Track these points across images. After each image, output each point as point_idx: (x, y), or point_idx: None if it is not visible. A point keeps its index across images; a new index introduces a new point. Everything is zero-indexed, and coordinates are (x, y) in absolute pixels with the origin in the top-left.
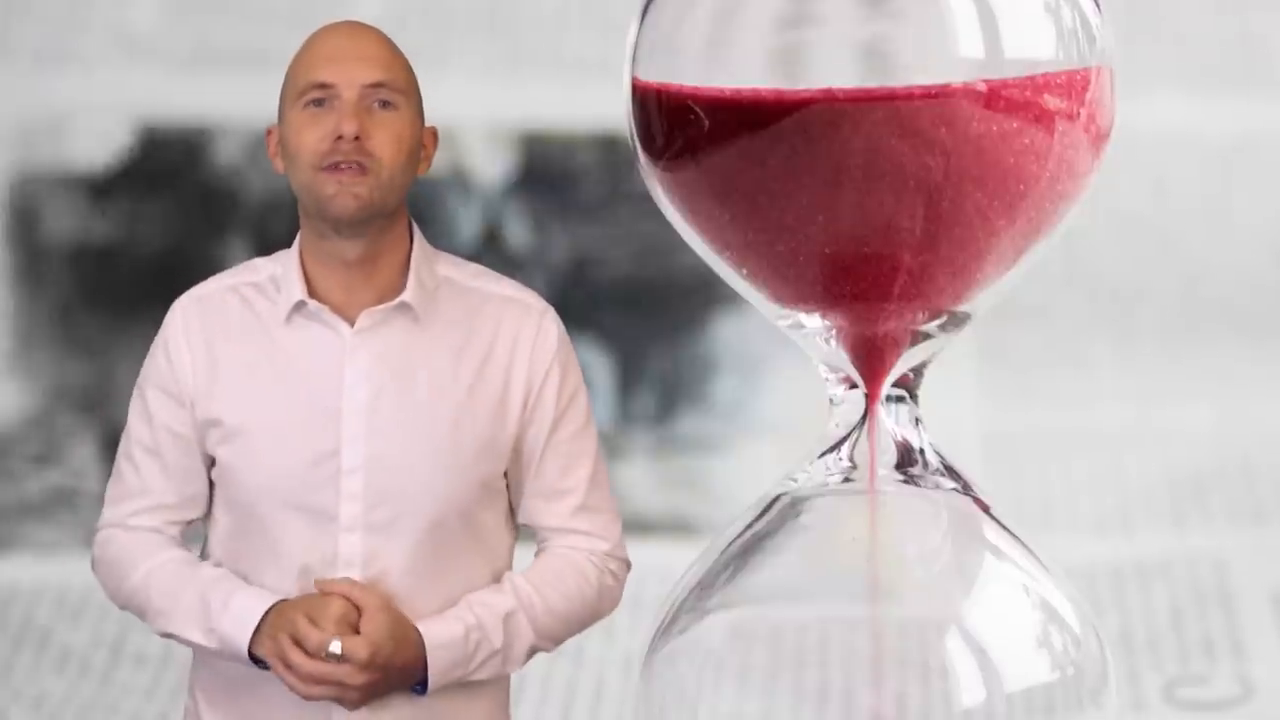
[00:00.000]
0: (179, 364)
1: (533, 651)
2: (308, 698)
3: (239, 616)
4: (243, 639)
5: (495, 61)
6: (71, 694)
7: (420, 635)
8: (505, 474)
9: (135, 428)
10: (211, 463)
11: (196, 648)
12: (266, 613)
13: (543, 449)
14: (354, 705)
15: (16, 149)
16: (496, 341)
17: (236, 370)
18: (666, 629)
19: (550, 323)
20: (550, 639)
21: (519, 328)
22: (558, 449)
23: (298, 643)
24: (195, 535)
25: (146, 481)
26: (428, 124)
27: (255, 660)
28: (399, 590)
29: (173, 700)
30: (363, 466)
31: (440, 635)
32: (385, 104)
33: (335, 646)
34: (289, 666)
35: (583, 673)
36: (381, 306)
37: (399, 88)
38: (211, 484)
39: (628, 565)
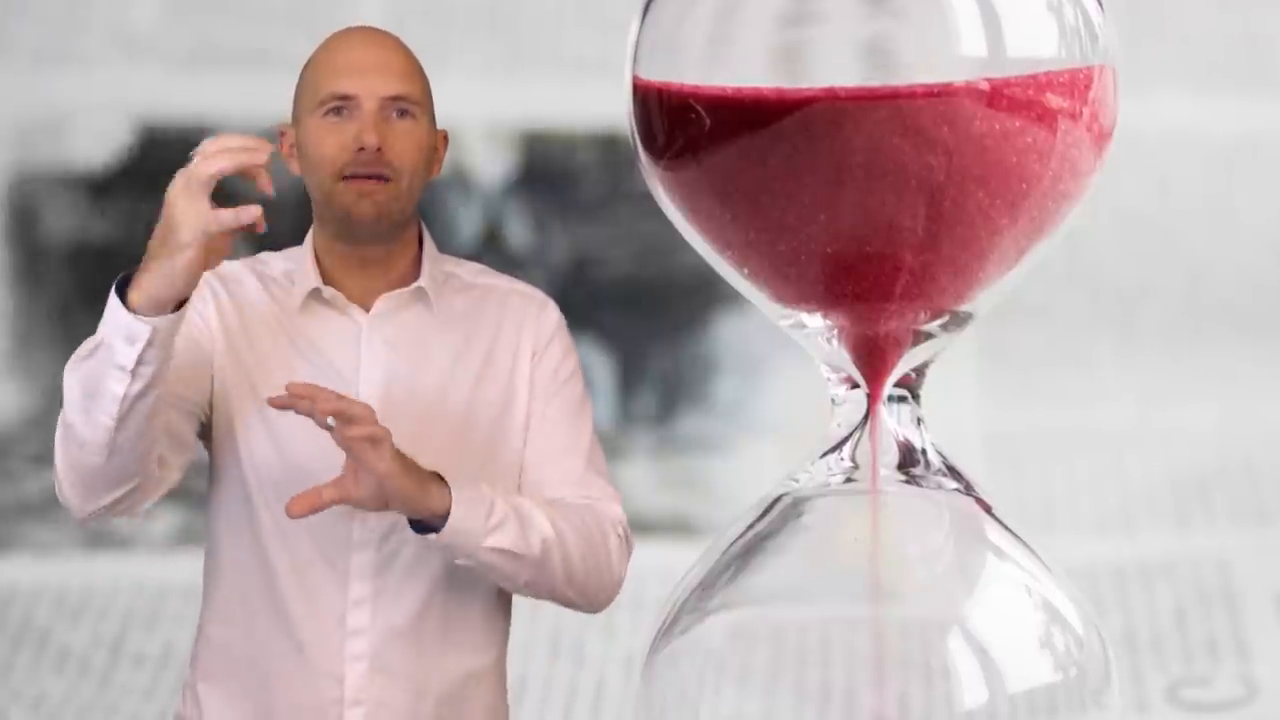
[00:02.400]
0: (206, 319)
1: (546, 551)
2: (325, 414)
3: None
4: (113, 297)
5: (495, 61)
6: (70, 694)
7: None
8: None
9: None
10: (223, 434)
11: (94, 368)
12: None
13: (542, 418)
14: (380, 474)
15: (16, 148)
16: (502, 328)
17: (253, 351)
18: (667, 629)
19: (551, 309)
20: (565, 550)
21: (522, 314)
22: (557, 420)
23: None
24: (199, 533)
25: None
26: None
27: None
28: (412, 570)
29: (172, 700)
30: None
31: (456, 480)
32: (403, 113)
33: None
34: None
35: (584, 673)
36: (397, 291)
37: (417, 98)
38: (212, 472)
39: (630, 545)
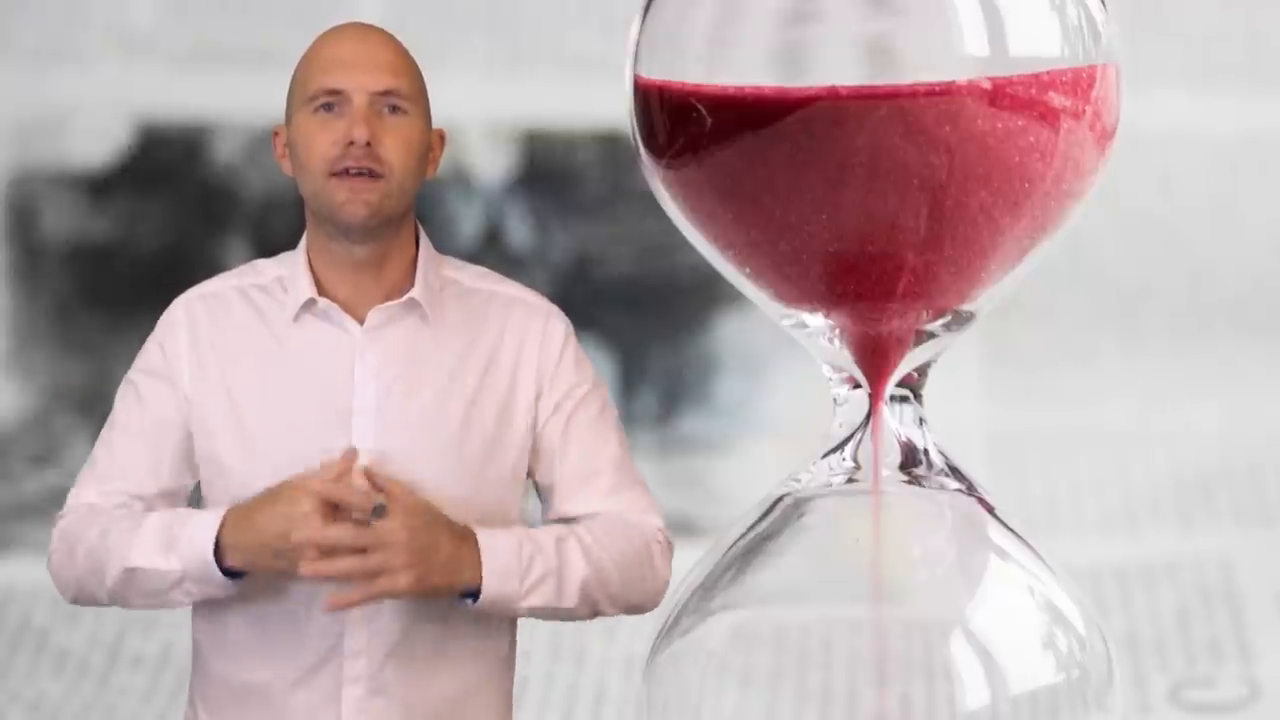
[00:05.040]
0: (175, 356)
1: (586, 593)
2: (346, 577)
3: (199, 526)
4: (206, 546)
5: (496, 59)
6: (69, 696)
7: (472, 534)
8: (531, 474)
9: (120, 414)
10: (208, 461)
11: (158, 580)
12: (235, 519)
13: (564, 437)
14: (406, 585)
15: (15, 147)
16: (503, 340)
17: (242, 369)
18: (669, 630)
19: (556, 320)
20: (604, 581)
21: (525, 327)
22: (580, 435)
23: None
24: None
25: (120, 464)
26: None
27: (229, 575)
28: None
29: (170, 702)
30: (372, 465)
31: (493, 538)
32: (395, 109)
33: (378, 499)
34: (321, 543)
35: (585, 674)
36: (390, 303)
37: (408, 94)
38: (199, 487)
39: (671, 547)
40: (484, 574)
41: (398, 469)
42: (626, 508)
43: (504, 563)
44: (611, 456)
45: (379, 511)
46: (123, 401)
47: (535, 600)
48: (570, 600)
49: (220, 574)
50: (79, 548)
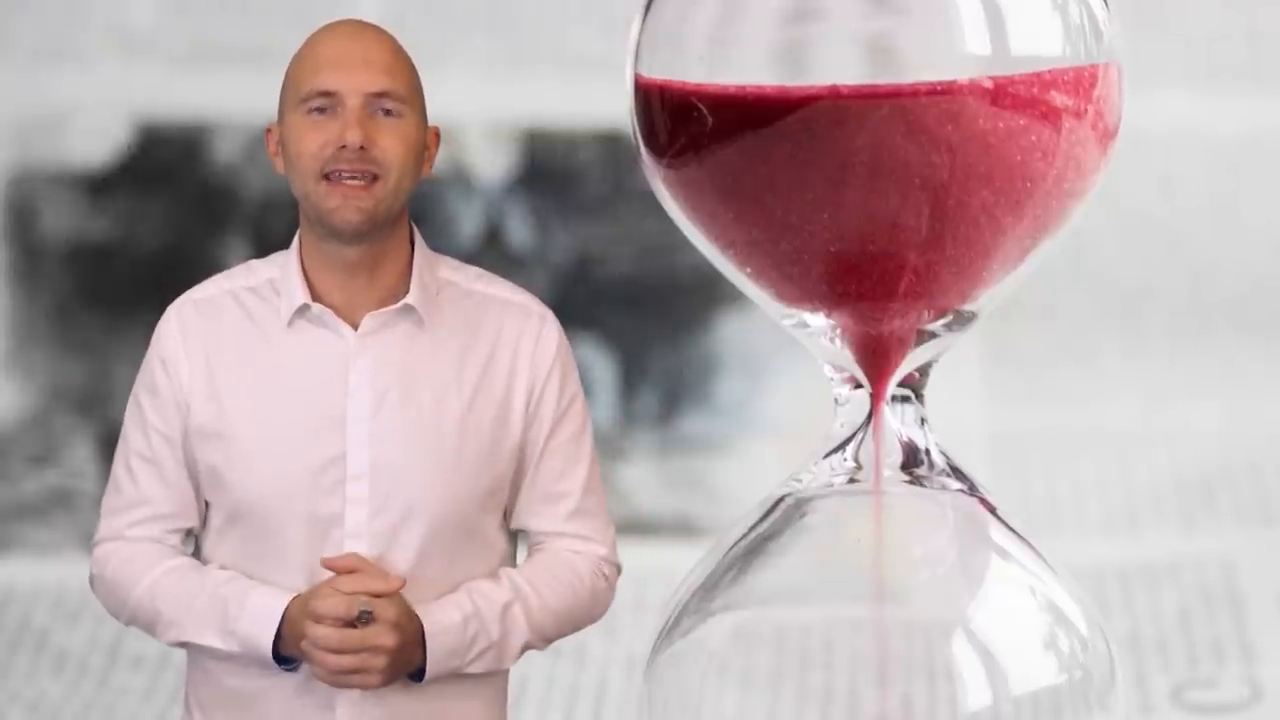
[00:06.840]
0: (174, 368)
1: (526, 648)
2: (337, 674)
3: (258, 615)
4: (265, 638)
5: (496, 58)
6: (69, 696)
7: (420, 621)
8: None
9: (131, 436)
10: (205, 470)
11: (211, 653)
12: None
13: (540, 452)
14: (377, 683)
15: (14, 146)
16: (499, 346)
17: (236, 376)
18: (670, 630)
19: (551, 327)
20: (543, 637)
21: (520, 332)
22: (554, 453)
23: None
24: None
25: (143, 490)
26: (430, 123)
27: (280, 660)
28: (403, 595)
29: (170, 703)
30: (368, 472)
31: (439, 621)
32: (389, 111)
33: (365, 604)
34: (316, 645)
35: (585, 674)
36: (384, 309)
37: (403, 94)
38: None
39: (619, 570)
40: (429, 661)
41: (394, 477)
42: (580, 531)
43: (448, 646)
44: (580, 479)
45: (365, 618)
46: (131, 422)
47: (475, 669)
48: (508, 662)
49: (277, 663)
50: (127, 598)
